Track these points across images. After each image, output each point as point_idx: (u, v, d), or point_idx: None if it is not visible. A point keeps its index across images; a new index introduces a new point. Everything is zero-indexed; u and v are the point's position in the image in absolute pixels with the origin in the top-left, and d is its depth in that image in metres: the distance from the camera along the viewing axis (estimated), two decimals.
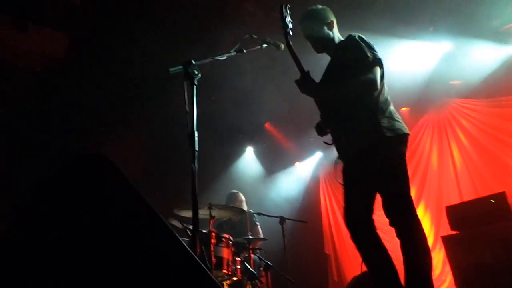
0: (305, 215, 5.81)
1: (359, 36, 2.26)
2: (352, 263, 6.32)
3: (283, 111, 6.09)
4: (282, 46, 2.39)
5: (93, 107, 5.27)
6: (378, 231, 2.25)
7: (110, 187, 0.80)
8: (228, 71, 5.03)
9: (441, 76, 5.32)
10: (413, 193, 6.27)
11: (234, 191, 5.06)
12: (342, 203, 6.76)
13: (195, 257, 0.78)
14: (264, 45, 2.36)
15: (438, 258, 5.16)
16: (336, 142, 2.31)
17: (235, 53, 2.21)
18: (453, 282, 3.48)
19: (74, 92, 5.00)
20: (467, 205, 3.81)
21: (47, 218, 0.84)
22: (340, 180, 2.35)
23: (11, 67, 4.55)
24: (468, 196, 4.83)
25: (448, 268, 4.01)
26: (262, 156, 7.28)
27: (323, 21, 2.38)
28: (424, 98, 5.71)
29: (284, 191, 6.89)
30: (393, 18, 4.47)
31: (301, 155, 7.35)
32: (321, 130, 2.51)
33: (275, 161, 7.24)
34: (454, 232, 3.57)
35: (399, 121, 2.20)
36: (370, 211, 2.26)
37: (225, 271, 3.45)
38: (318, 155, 7.37)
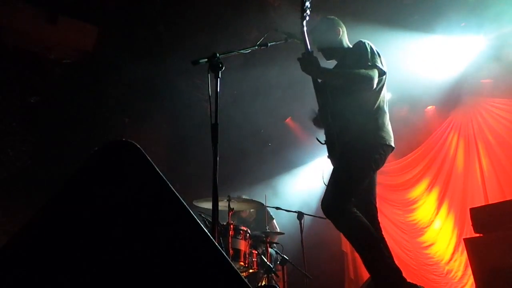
0: None
1: (367, 43, 2.36)
2: None
3: (305, 106, 6.05)
4: None
5: (118, 98, 5.40)
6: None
7: (137, 173, 0.83)
8: (250, 65, 5.04)
9: (471, 74, 5.14)
10: (436, 193, 6.13)
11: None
12: None
13: (216, 244, 0.80)
14: (289, 39, 2.36)
15: (460, 261, 5.05)
16: (327, 141, 2.39)
17: (259, 46, 2.22)
18: (474, 285, 3.40)
19: (99, 83, 5.13)
20: (493, 208, 3.70)
21: (77, 204, 0.88)
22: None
23: (42, 59, 4.71)
24: (494, 198, 4.68)
25: (470, 271, 3.92)
26: (282, 151, 7.27)
27: (330, 31, 2.53)
28: (451, 97, 5.55)
29: (304, 186, 6.87)
30: (422, 12, 4.35)
31: (321, 151, 7.28)
32: (317, 121, 2.63)
33: (295, 156, 7.22)
34: (477, 235, 3.47)
35: (387, 132, 2.31)
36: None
37: (242, 263, 3.49)
38: None
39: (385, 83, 2.41)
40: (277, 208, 4.63)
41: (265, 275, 3.87)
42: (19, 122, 5.07)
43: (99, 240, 0.81)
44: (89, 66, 4.91)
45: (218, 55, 1.99)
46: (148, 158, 0.85)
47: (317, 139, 2.48)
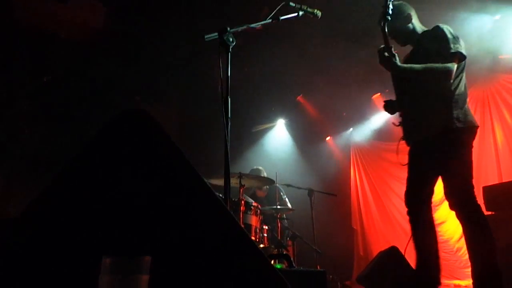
0: (334, 189, 5.79)
1: (447, 28, 2.35)
2: (379, 238, 6.31)
3: (316, 84, 5.98)
4: (319, 13, 2.34)
5: (129, 76, 5.41)
6: None
7: (151, 141, 0.84)
8: (261, 41, 4.97)
9: (488, 49, 4.97)
10: None
11: (257, 167, 5.09)
12: (372, 180, 6.72)
13: (230, 212, 0.82)
14: (301, 13, 2.31)
15: None
16: (404, 124, 2.48)
17: (270, 20, 2.18)
18: None
19: (110, 62, 5.14)
20: (506, 186, 3.66)
21: (91, 171, 0.91)
22: (403, 162, 2.49)
23: (53, 38, 4.71)
24: (508, 177, 4.62)
25: None
26: (293, 129, 7.26)
27: (401, 16, 2.51)
28: (467, 73, 5.39)
29: (315, 164, 6.88)
30: None
31: (333, 130, 7.26)
32: (390, 108, 2.66)
33: (306, 134, 7.20)
34: (489, 213, 3.46)
35: (471, 115, 2.34)
36: (430, 194, 2.47)
37: (252, 238, 3.56)
38: (350, 130, 7.24)
39: (465, 65, 2.43)
40: (288, 185, 4.67)
41: (276, 250, 3.95)
42: (32, 101, 5.13)
43: (113, 208, 0.84)
44: (100, 45, 4.90)
45: (229, 29, 1.96)
46: (162, 126, 0.86)
47: (393, 123, 2.57)
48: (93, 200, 0.83)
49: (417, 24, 2.56)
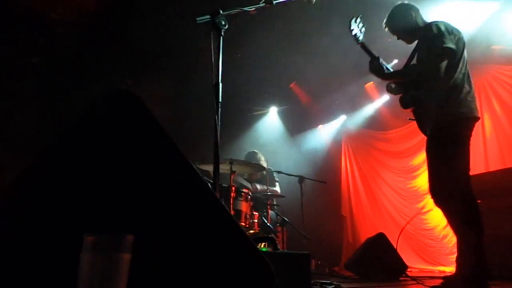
0: (325, 176, 5.84)
1: (436, 25, 2.40)
2: (368, 225, 6.42)
3: (309, 72, 5.96)
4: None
5: (120, 59, 5.33)
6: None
7: (136, 123, 0.84)
8: (254, 27, 4.91)
9: (481, 39, 4.98)
10: None
11: (253, 150, 5.10)
12: (362, 168, 6.79)
13: (215, 193, 0.82)
14: None
15: None
16: (417, 120, 2.65)
17: (264, 4, 2.14)
18: None
19: (102, 44, 5.04)
20: (492, 175, 3.73)
21: (75, 153, 0.90)
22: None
23: (44, 18, 4.60)
24: (494, 166, 4.70)
25: None
26: (285, 116, 7.26)
27: (402, 19, 2.64)
28: None
29: (306, 151, 6.92)
30: None
31: (325, 118, 7.28)
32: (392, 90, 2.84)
33: (298, 122, 7.21)
34: None
35: (466, 106, 2.37)
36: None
37: (242, 224, 3.59)
38: (342, 119, 7.27)
39: (462, 56, 2.44)
40: (279, 172, 4.70)
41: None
42: (25, 82, 5.04)
43: (96, 187, 0.83)
44: (92, 26, 4.80)
45: (221, 12, 1.93)
46: (146, 106, 0.85)
47: (409, 118, 2.76)
48: (75, 179, 0.82)
49: (419, 20, 2.63)
